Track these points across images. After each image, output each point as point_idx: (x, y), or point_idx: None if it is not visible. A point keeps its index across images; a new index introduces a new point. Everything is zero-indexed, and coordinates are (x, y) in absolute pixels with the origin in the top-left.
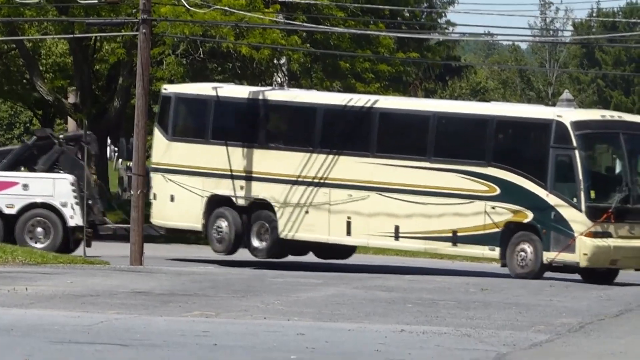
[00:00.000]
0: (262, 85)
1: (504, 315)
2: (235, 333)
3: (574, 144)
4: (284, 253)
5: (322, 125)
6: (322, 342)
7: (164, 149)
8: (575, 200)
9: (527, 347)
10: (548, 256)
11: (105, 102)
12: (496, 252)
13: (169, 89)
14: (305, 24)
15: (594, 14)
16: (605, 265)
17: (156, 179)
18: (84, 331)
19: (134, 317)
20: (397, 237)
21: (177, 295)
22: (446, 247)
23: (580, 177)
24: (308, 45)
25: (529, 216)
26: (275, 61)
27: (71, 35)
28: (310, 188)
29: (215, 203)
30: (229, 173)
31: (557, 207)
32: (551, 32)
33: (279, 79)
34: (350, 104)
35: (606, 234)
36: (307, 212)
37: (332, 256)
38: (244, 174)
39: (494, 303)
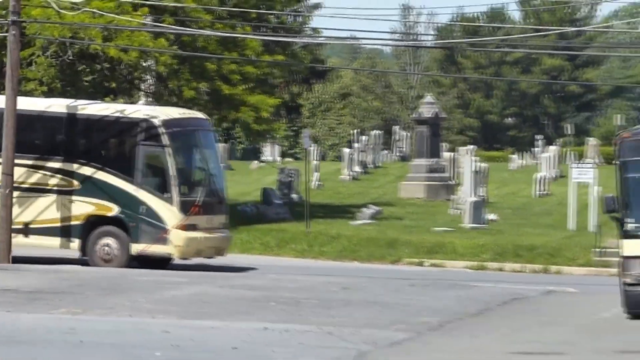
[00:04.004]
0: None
1: (365, 313)
2: (102, 330)
3: (164, 141)
4: None
5: None
6: (186, 340)
7: None
8: (166, 194)
9: (388, 345)
10: (137, 248)
11: None
12: (76, 243)
13: None
14: (172, 26)
15: (456, 18)
16: (193, 255)
17: None
18: None
19: (0, 314)
20: None
21: (45, 292)
22: (18, 239)
23: (172, 173)
24: (175, 47)
25: (114, 210)
26: (143, 63)
27: None
28: None
29: None
30: None
31: (147, 201)
32: (413, 36)
33: (149, 80)
34: None
35: (195, 227)
36: None
37: None
38: None
39: (355, 301)
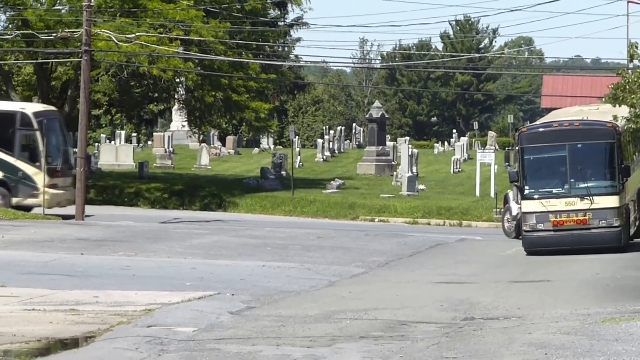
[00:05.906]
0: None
1: (333, 255)
2: (148, 267)
3: (35, 126)
4: None
5: None
6: (208, 274)
7: None
8: (37, 163)
9: (349, 277)
10: (17, 201)
11: (58, 107)
12: None
13: None
14: (197, 54)
15: (397, 48)
16: (55, 206)
17: None
18: (42, 266)
19: (77, 256)
20: None
21: (107, 241)
22: None
23: (40, 148)
24: (199, 68)
25: (0, 175)
26: (176, 79)
27: (35, 61)
28: None
29: None
30: None
31: (23, 168)
32: (367, 60)
33: (180, 91)
34: None
35: (56, 185)
36: None
37: None
38: None
39: (327, 246)
